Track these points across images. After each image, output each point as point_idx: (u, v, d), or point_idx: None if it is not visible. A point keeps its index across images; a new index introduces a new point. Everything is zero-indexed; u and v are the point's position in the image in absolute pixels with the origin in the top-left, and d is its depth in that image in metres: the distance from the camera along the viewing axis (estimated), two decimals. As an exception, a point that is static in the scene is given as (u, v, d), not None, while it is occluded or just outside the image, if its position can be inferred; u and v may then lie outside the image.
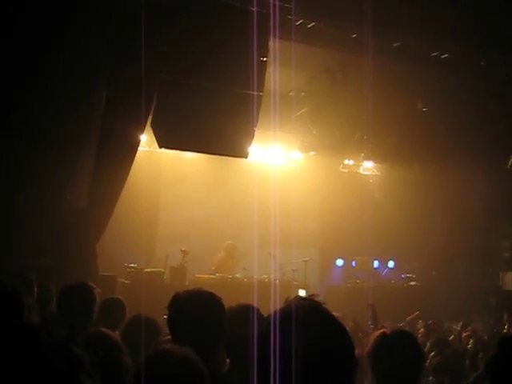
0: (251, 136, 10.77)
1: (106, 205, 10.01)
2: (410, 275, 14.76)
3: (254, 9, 10.03)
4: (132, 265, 11.78)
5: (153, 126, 10.37)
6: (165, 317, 3.15)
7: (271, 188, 16.15)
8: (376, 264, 14.81)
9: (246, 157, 11.51)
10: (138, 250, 13.29)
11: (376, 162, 16.28)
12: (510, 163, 12.31)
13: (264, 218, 16.35)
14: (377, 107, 12.73)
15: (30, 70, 8.49)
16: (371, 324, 8.31)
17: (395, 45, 11.40)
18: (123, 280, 11.14)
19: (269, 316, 1.66)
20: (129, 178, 10.76)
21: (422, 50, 11.60)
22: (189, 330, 2.75)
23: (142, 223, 13.75)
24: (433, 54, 11.69)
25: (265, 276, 12.73)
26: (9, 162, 8.46)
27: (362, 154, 15.76)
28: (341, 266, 15.35)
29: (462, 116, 12.58)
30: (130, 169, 10.46)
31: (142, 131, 10.71)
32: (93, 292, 4.42)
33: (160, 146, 10.91)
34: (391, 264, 15.16)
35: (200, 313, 2.85)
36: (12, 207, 8.26)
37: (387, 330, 3.17)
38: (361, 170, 16.76)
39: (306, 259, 13.50)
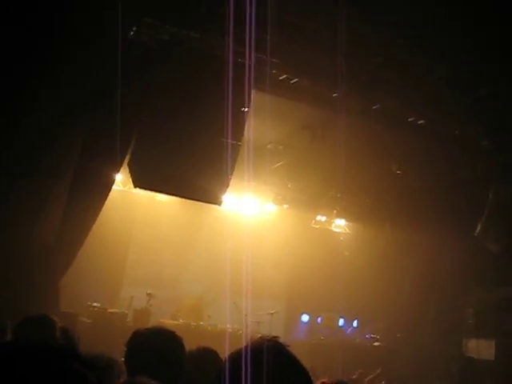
0: (226, 184, 10.84)
1: (74, 242, 9.94)
2: (375, 336, 14.73)
3: (235, 60, 10.26)
4: (95, 304, 11.61)
5: (129, 166, 10.41)
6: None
7: (243, 237, 16.15)
8: (341, 322, 14.78)
9: (219, 204, 11.56)
10: (103, 289, 13.12)
11: (348, 221, 16.42)
12: (477, 230, 12.51)
13: (234, 266, 16.28)
14: (353, 166, 12.93)
15: (9, 103, 8.48)
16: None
17: (375, 107, 11.69)
18: (85, 319, 10.95)
19: (231, 354, 1.68)
20: (101, 216, 10.71)
21: (400, 114, 11.90)
22: (146, 367, 2.71)
23: (110, 262, 13.63)
24: (410, 119, 12.00)
25: (228, 326, 12.60)
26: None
27: (335, 211, 15.90)
28: (306, 322, 15.28)
29: (436, 180, 12.83)
30: (101, 207, 10.43)
31: (117, 171, 10.75)
32: (54, 325, 4.33)
33: (135, 186, 10.92)
34: (356, 323, 15.14)
35: (159, 349, 2.82)
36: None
37: (327, 381, 3.15)
38: (333, 227, 16.86)
39: (272, 312, 13.42)
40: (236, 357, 1.62)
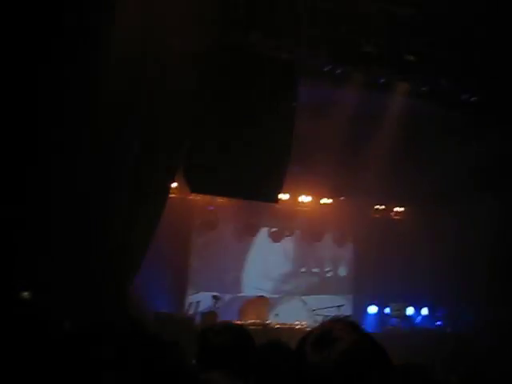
0: (281, 181, 10.77)
1: (137, 248, 10.02)
2: (446, 321, 14.38)
3: (275, 56, 10.24)
4: (163, 311, 11.74)
5: (184, 171, 10.49)
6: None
7: (303, 233, 16.09)
8: (411, 310, 14.48)
9: (275, 201, 11.52)
10: (170, 296, 13.28)
11: (407, 207, 16.12)
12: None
13: (297, 263, 16.26)
14: (407, 150, 12.72)
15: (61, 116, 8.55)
16: None
17: (424, 89, 11.43)
18: (154, 324, 11.07)
19: (303, 336, 1.63)
20: (160, 224, 10.81)
21: (451, 93, 11.59)
22: (217, 362, 2.69)
23: (174, 269, 13.78)
24: (463, 97, 11.68)
25: (297, 322, 12.53)
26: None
27: (393, 199, 15.65)
28: (374, 313, 15.03)
29: (493, 157, 12.39)
30: (161, 215, 10.48)
31: (173, 178, 10.84)
32: None
33: (191, 191, 11.01)
34: (425, 310, 14.81)
35: (228, 343, 2.79)
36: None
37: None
38: (392, 215, 16.58)
39: (339, 305, 13.30)
40: (313, 335, 1.57)
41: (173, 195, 12.68)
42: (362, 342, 1.55)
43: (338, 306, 13.22)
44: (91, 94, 8.44)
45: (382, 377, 1.51)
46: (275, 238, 16.00)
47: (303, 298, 13.09)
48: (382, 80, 10.96)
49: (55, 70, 8.03)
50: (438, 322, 14.46)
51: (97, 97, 8.51)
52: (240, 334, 2.87)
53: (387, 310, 14.44)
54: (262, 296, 12.95)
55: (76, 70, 8.15)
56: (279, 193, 11.24)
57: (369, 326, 14.95)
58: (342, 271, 16.79)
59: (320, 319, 12.87)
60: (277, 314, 12.80)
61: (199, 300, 12.93)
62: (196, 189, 10.89)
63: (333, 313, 12.96)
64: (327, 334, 1.55)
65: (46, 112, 8.12)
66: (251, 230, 15.31)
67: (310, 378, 1.47)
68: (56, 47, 7.99)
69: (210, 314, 11.96)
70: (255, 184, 10.55)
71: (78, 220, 8.75)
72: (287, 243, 16.11)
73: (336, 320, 1.65)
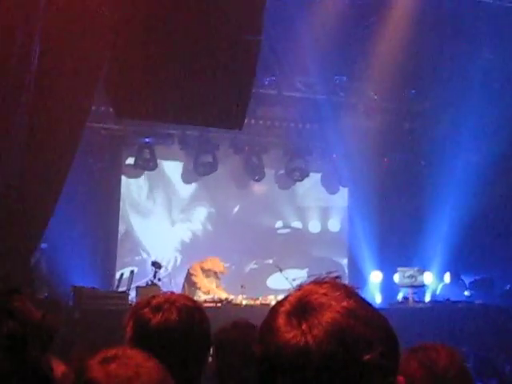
0: (247, 98, 10.57)
1: (41, 200, 9.81)
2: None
3: None
4: (85, 286, 11.61)
5: (107, 90, 10.27)
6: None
7: (276, 174, 16.14)
8: (428, 277, 14.68)
9: (239, 128, 11.40)
10: (93, 264, 13.21)
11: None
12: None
13: (269, 216, 16.28)
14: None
15: None
16: None
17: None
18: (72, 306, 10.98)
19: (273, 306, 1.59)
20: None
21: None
22: (157, 347, 2.64)
23: (98, 227, 13.67)
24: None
25: (271, 297, 12.50)
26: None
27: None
28: (378, 282, 15.15)
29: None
30: (75, 149, 10.21)
31: (91, 98, 10.53)
32: None
33: (117, 115, 10.79)
34: (448, 277, 15.04)
35: (172, 322, 2.74)
36: None
37: None
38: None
39: (329, 272, 13.41)
40: (287, 302, 1.51)
41: (94, 124, 12.45)
42: (357, 312, 1.48)
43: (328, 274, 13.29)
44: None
45: (385, 366, 1.43)
46: (239, 181, 15.94)
47: (279, 263, 13.14)
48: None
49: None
50: (466, 292, 14.65)
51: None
52: (188, 309, 2.81)
53: (396, 278, 14.58)
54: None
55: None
56: (244, 118, 11.10)
57: (370, 300, 15.15)
58: (334, 225, 16.89)
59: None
60: (243, 286, 12.82)
61: (133, 269, 12.91)
62: (123, 112, 10.72)
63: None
64: (307, 300, 1.47)
65: None
66: (205, 171, 15.13)
67: (282, 362, 1.40)
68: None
69: (148, 289, 11.87)
70: (210, 104, 10.37)
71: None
72: (256, 188, 16.09)
73: (320, 281, 1.57)
